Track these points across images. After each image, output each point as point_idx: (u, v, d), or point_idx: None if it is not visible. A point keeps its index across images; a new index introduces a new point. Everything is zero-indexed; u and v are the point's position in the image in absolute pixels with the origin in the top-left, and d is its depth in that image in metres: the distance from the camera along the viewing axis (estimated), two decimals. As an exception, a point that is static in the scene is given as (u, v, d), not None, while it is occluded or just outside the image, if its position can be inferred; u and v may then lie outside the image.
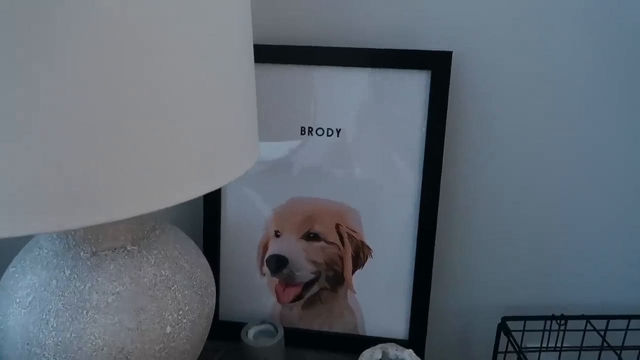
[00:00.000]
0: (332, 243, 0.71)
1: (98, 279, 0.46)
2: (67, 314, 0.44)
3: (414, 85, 0.66)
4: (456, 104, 0.71)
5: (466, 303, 0.81)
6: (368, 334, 0.73)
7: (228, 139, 0.42)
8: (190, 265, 0.52)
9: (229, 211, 0.72)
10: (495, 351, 0.70)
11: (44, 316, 0.44)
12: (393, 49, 0.66)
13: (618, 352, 0.67)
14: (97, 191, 0.34)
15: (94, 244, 0.47)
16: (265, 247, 0.72)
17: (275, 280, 0.73)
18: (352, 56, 0.66)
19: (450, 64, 0.65)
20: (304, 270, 0.72)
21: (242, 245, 0.73)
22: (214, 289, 0.56)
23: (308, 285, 0.72)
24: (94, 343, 0.44)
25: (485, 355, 0.83)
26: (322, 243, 0.71)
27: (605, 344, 0.68)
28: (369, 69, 0.67)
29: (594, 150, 0.72)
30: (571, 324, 0.71)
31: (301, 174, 0.70)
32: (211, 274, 0.56)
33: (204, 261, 0.56)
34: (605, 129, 0.71)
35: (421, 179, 0.68)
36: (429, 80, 0.66)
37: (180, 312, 0.49)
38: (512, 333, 0.69)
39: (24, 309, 0.45)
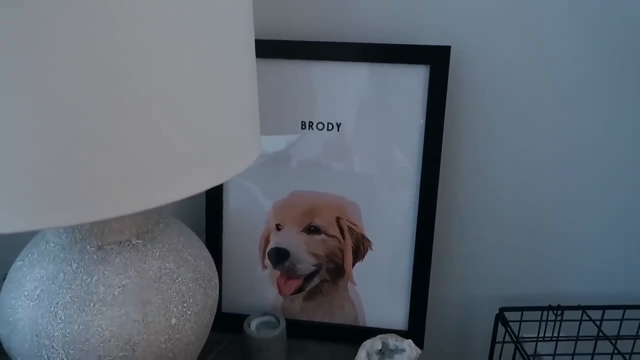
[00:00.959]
0: (333, 236, 0.72)
1: (104, 272, 0.47)
2: (74, 307, 0.45)
3: (413, 80, 0.67)
4: (455, 98, 0.72)
5: (464, 294, 0.82)
6: (368, 325, 0.74)
7: (231, 134, 0.43)
8: (194, 259, 0.53)
9: (231, 205, 0.73)
10: (493, 341, 0.72)
11: (52, 309, 0.45)
12: (392, 44, 0.66)
13: (613, 341, 0.68)
14: (103, 186, 0.34)
15: (100, 237, 0.48)
16: (266, 240, 0.73)
17: (277, 272, 0.74)
18: (351, 51, 0.67)
19: (449, 58, 0.65)
20: (305, 263, 0.73)
21: (244, 239, 0.74)
22: (217, 281, 0.57)
23: (309, 277, 0.73)
24: (101, 335, 0.45)
25: (483, 345, 0.85)
26: (323, 236, 0.72)
27: (600, 334, 0.69)
28: (368, 64, 0.67)
29: (592, 143, 0.73)
30: (567, 314, 0.73)
31: (302, 167, 0.71)
32: (214, 267, 0.57)
33: (207, 254, 0.57)
34: (604, 123, 0.72)
35: (420, 173, 0.69)
36: (428, 74, 0.66)
37: (185, 304, 0.50)
38: (510, 323, 0.70)
39: (32, 301, 0.46)
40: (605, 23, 0.68)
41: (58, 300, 0.45)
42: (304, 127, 0.70)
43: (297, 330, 0.74)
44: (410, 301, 0.73)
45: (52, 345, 0.45)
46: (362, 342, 0.64)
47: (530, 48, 0.69)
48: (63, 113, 0.32)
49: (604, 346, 0.72)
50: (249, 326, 0.67)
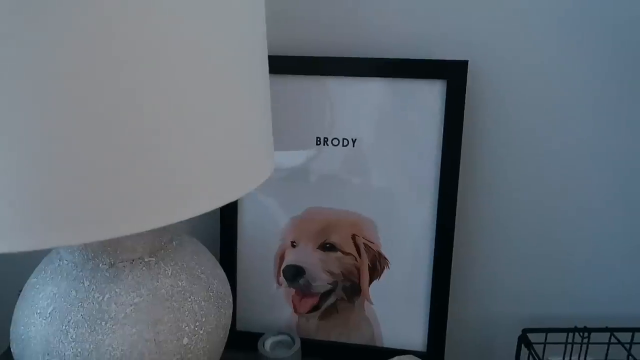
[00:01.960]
0: (349, 254, 0.71)
1: (116, 290, 0.46)
2: (86, 325, 0.45)
3: (430, 95, 0.66)
4: (472, 113, 0.71)
5: (486, 314, 0.80)
6: (386, 345, 0.72)
7: (244, 151, 0.42)
8: (207, 276, 0.53)
9: (246, 222, 0.73)
10: (516, 364, 0.69)
11: (63, 327, 0.45)
12: (408, 59, 0.66)
13: (644, 366, 0.65)
14: (115, 204, 0.34)
15: (112, 255, 0.48)
16: (281, 258, 0.72)
17: (292, 290, 0.73)
18: (367, 66, 0.66)
19: (467, 73, 0.64)
20: (321, 281, 0.71)
21: (258, 256, 0.73)
22: (230, 299, 0.56)
23: (325, 295, 0.72)
24: (112, 354, 0.44)
25: (506, 368, 0.82)
26: (339, 253, 0.71)
27: (630, 358, 0.66)
28: (384, 79, 0.67)
29: (619, 155, 0.71)
30: (595, 336, 0.70)
31: (317, 184, 0.70)
32: (228, 285, 0.56)
33: (220, 272, 0.56)
34: (628, 131, 0.70)
35: (438, 189, 0.68)
36: (445, 89, 0.65)
37: (197, 323, 0.49)
38: (534, 345, 0.67)
39: (45, 319, 0.46)
40: (628, 35, 0.66)
41: (70, 318, 0.45)
42: (319, 142, 0.69)
43: (312, 349, 0.72)
44: (429, 321, 0.71)
45: (63, 365, 0.44)
46: (379, 364, 0.63)
47: (548, 61, 0.68)
48: (76, 130, 0.32)
49: (634, 370, 0.69)
50: (264, 345, 0.66)
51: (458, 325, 0.80)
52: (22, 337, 0.47)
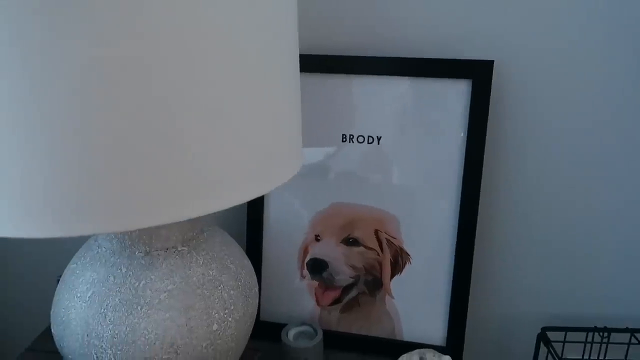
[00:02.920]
0: (371, 248, 0.72)
1: (151, 277, 0.49)
2: (123, 309, 0.47)
3: (455, 94, 0.67)
4: (497, 113, 0.71)
5: (505, 311, 0.80)
6: (406, 339, 0.74)
7: (274, 147, 0.44)
8: (236, 267, 0.55)
9: (272, 215, 0.75)
10: (535, 361, 0.70)
11: (102, 310, 0.47)
12: (434, 58, 0.67)
13: (664, 367, 0.65)
14: (152, 195, 0.36)
15: (148, 243, 0.50)
16: (305, 251, 0.74)
17: (315, 283, 0.75)
18: (393, 65, 0.67)
19: (492, 73, 0.65)
20: (343, 275, 0.73)
21: (283, 249, 0.75)
22: (257, 289, 0.58)
23: (347, 289, 0.74)
24: (147, 337, 0.47)
25: (525, 365, 0.82)
26: (361, 248, 0.72)
27: (650, 359, 0.66)
28: (409, 78, 0.68)
29: (641, 159, 0.70)
30: (614, 336, 0.70)
31: (341, 180, 0.72)
32: (254, 276, 0.58)
33: (248, 263, 0.58)
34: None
35: (461, 187, 0.69)
36: (470, 89, 0.66)
37: (226, 310, 0.51)
38: (552, 343, 0.68)
39: (84, 302, 0.48)
40: (657, 36, 0.66)
41: (108, 302, 0.48)
42: (344, 139, 0.71)
43: (334, 341, 0.74)
44: (449, 316, 0.72)
45: (102, 346, 0.47)
46: (398, 356, 0.64)
47: (574, 63, 0.68)
48: (115, 123, 0.34)
49: (655, 372, 0.69)
50: (287, 335, 0.68)
51: (477, 322, 0.81)
52: (63, 319, 0.50)
